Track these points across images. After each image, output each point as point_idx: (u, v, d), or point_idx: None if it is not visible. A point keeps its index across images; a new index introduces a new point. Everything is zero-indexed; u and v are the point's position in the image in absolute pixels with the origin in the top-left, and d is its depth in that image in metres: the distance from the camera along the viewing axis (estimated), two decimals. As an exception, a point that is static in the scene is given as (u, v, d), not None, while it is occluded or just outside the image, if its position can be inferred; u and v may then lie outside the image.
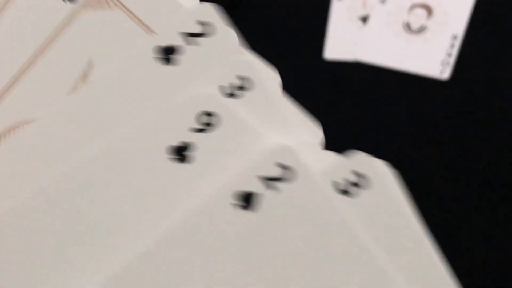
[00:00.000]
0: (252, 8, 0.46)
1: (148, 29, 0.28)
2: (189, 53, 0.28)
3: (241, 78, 0.28)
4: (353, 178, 0.27)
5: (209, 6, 0.29)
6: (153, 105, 0.27)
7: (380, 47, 0.46)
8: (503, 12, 0.45)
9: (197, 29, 0.28)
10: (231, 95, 0.27)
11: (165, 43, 0.27)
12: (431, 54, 0.45)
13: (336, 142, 0.45)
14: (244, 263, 0.24)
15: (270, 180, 0.26)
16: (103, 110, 0.27)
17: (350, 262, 0.25)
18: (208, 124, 0.26)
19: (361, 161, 0.27)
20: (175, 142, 0.26)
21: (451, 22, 0.45)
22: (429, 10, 0.46)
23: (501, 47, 0.45)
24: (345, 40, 0.46)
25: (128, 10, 0.28)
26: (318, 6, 0.46)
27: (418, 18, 0.46)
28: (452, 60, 0.44)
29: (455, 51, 0.45)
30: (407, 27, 0.46)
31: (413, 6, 0.46)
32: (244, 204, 0.25)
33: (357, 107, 0.45)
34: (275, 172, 0.25)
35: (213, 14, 0.29)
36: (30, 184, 0.26)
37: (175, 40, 0.28)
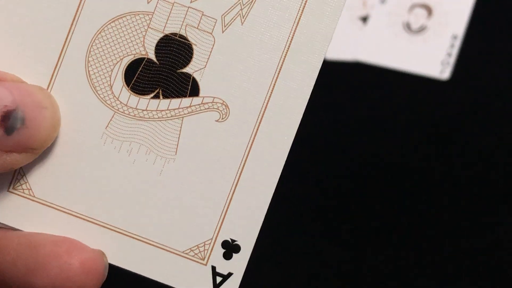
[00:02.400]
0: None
1: None
2: None
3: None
4: None
5: None
6: None
7: (380, 47, 0.46)
8: (503, 12, 0.45)
9: None
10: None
11: None
12: (431, 54, 0.45)
13: (336, 142, 0.45)
14: None
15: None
16: None
17: None
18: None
19: None
20: None
21: (451, 22, 0.45)
22: (429, 10, 0.46)
23: (501, 47, 0.45)
24: (345, 40, 0.46)
25: None
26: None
27: (418, 18, 0.46)
28: (452, 60, 0.44)
29: (455, 51, 0.45)
30: (407, 27, 0.46)
31: (413, 6, 0.46)
32: None
33: (357, 107, 0.45)
34: None
35: None
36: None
37: None
